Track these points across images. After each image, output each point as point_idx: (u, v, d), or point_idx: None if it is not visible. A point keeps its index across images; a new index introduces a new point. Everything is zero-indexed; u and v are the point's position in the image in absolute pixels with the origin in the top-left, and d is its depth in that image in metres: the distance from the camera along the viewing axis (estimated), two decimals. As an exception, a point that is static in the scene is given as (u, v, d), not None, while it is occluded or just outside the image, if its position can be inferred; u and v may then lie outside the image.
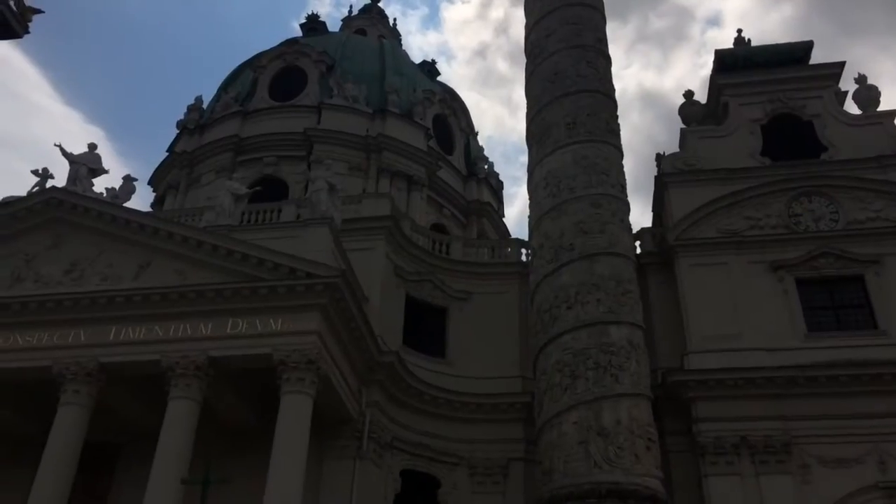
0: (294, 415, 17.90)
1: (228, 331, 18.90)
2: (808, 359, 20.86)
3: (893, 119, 25.63)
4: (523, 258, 25.77)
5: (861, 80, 27.00)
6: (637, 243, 24.42)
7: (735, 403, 20.55)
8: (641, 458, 17.39)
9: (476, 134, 42.33)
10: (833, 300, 22.68)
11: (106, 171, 23.25)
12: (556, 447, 17.88)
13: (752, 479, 19.73)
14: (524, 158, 23.62)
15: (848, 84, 27.20)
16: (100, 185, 23.12)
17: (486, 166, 40.09)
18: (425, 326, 24.43)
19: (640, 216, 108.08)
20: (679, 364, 21.72)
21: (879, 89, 26.54)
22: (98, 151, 23.27)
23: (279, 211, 23.83)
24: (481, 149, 41.88)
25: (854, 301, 22.39)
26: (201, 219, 23.86)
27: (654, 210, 27.59)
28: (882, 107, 26.28)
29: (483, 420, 22.79)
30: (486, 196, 38.64)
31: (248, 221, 23.02)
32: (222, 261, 19.66)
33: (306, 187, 26.85)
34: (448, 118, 38.42)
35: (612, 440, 17.33)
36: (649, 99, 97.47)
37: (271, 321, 18.85)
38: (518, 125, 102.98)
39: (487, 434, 22.59)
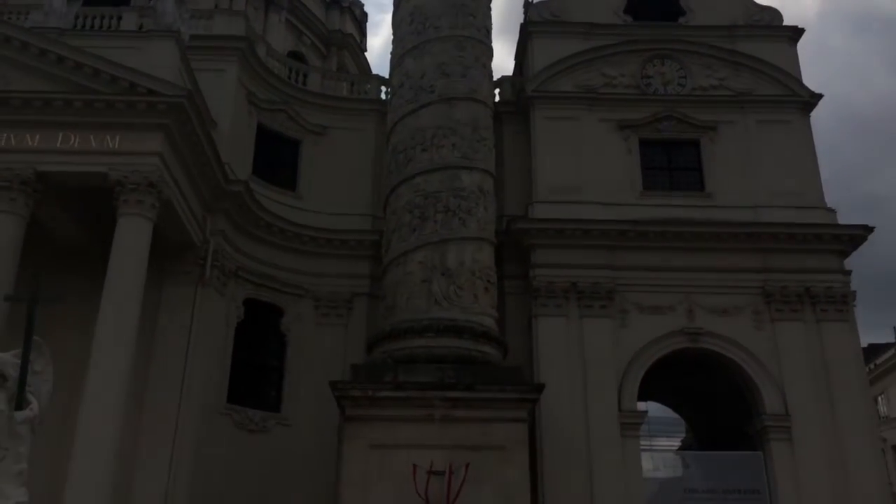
0: (131, 238, 17.24)
1: (59, 145, 17.55)
2: (641, 215, 22.25)
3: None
4: (383, 96, 25.22)
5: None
6: (497, 91, 24.49)
7: (570, 252, 21.78)
8: (479, 298, 18.34)
9: (343, -44, 39.79)
10: (669, 161, 23.96)
11: None
12: (400, 284, 18.46)
13: (577, 321, 21.33)
14: (392, -14, 22.55)
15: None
16: None
17: (351, -6, 38.20)
18: (277, 158, 23.77)
19: (505, 60, 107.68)
20: (524, 212, 22.57)
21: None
22: None
23: (119, 18, 21.59)
24: (347, -26, 39.54)
25: (688, 164, 23.76)
26: (27, 18, 21.37)
27: (516, 58, 27.51)
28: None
29: (331, 255, 22.97)
30: (350, 27, 37.04)
31: (83, 27, 20.75)
32: (51, 67, 17.93)
33: (151, -6, 24.45)
34: (313, -65, 35.74)
35: (454, 280, 18.09)
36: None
37: (108, 138, 17.66)
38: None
39: (334, 269, 22.86)
